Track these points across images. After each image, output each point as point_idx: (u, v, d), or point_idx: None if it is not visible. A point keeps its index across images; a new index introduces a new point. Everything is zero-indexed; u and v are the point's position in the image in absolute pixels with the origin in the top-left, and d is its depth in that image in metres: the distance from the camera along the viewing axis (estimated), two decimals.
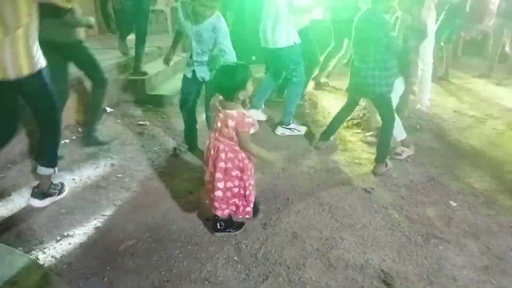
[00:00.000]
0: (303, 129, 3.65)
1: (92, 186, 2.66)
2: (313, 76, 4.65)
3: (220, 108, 1.98)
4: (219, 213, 2.10)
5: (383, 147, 2.93)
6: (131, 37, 4.33)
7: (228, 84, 1.89)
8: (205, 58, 2.72)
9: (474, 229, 2.31)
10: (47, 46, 2.23)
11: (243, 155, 2.02)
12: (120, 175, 2.81)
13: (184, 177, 2.81)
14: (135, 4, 4.04)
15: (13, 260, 1.79)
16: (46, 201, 2.41)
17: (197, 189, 2.61)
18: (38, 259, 1.98)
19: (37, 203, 2.39)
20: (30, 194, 2.40)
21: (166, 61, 3.05)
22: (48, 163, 2.39)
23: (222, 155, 1.99)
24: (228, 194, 2.06)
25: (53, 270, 1.90)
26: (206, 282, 1.87)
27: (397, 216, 2.42)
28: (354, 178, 2.86)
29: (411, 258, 2.06)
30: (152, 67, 4.56)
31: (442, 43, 4.93)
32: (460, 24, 5.08)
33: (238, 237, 2.18)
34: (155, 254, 2.04)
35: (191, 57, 2.75)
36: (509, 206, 2.54)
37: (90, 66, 3.01)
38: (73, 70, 3.03)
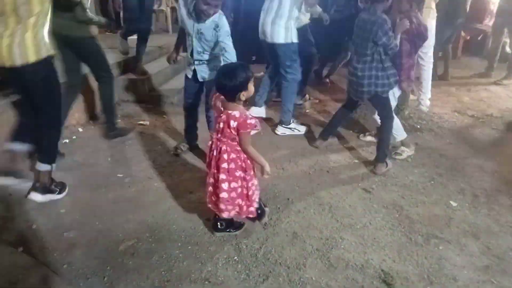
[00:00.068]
0: (303, 129, 3.64)
1: (92, 185, 2.66)
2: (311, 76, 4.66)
3: (222, 109, 1.97)
4: (225, 214, 2.09)
5: (383, 146, 2.93)
6: (132, 36, 4.33)
7: (229, 85, 1.89)
8: (206, 57, 2.71)
9: (474, 229, 2.31)
10: (59, 40, 2.33)
11: (245, 155, 2.02)
12: (120, 175, 2.81)
13: (184, 177, 2.81)
14: (139, 3, 4.05)
15: (14, 260, 1.79)
16: (47, 197, 2.42)
17: (197, 189, 2.61)
18: (38, 259, 1.97)
19: (37, 197, 2.40)
20: (30, 188, 2.41)
21: (169, 59, 3.04)
22: (47, 159, 2.39)
23: (225, 156, 1.99)
24: (233, 194, 2.05)
25: (53, 270, 1.90)
26: (206, 282, 1.87)
27: (397, 216, 2.42)
28: (354, 178, 2.86)
29: (412, 258, 2.06)
30: (152, 66, 4.56)
31: (441, 43, 4.92)
32: (462, 23, 5.07)
33: (238, 237, 2.18)
34: (155, 254, 2.04)
35: (191, 55, 2.75)
36: (509, 206, 2.54)
37: (97, 63, 3.04)
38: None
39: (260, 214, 2.25)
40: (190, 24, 2.63)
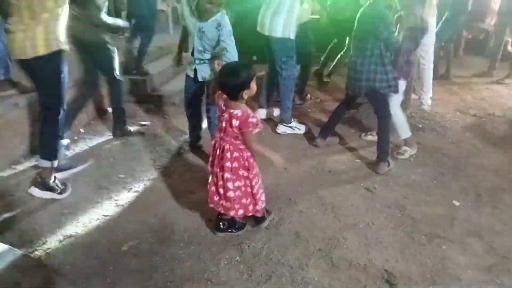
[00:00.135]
0: (303, 128, 3.63)
1: (94, 186, 2.66)
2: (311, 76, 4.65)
3: (225, 108, 1.97)
4: (232, 213, 2.09)
5: (383, 145, 2.93)
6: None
7: (232, 83, 1.89)
8: (207, 56, 2.70)
9: (478, 229, 2.30)
10: (74, 41, 2.47)
11: (248, 154, 2.02)
12: (122, 175, 2.81)
13: (186, 177, 2.81)
14: (145, 3, 4.05)
15: (17, 260, 1.79)
16: (46, 194, 2.43)
17: (199, 189, 2.60)
18: (41, 259, 1.97)
19: (36, 192, 2.41)
20: (30, 182, 2.42)
21: (176, 61, 3.03)
22: (47, 155, 2.40)
23: (228, 155, 1.99)
24: (238, 193, 2.05)
25: (56, 270, 1.90)
26: (209, 283, 1.87)
27: (400, 215, 2.41)
28: (356, 178, 2.86)
29: (415, 258, 2.05)
30: (153, 67, 4.56)
31: (442, 43, 4.90)
32: (463, 22, 5.05)
33: (241, 237, 2.18)
34: (158, 255, 2.04)
35: (192, 54, 2.74)
36: None
37: (109, 67, 3.09)
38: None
39: (260, 219, 2.23)
40: (192, 23, 2.63)
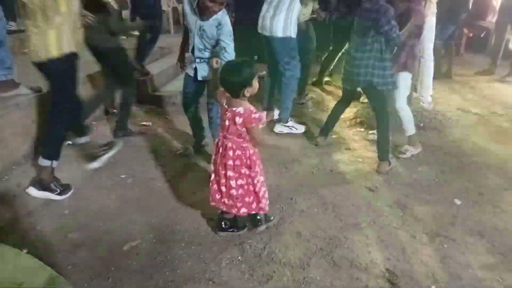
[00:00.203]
0: (301, 128, 3.63)
1: (95, 187, 2.66)
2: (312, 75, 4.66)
3: (227, 106, 1.98)
4: (234, 211, 2.09)
5: (383, 144, 2.92)
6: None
7: (233, 80, 1.89)
8: (207, 54, 2.70)
9: (479, 227, 2.30)
10: (89, 48, 2.67)
11: (251, 151, 2.02)
12: (123, 176, 2.81)
13: (187, 177, 2.81)
14: (150, 3, 4.07)
15: (19, 261, 1.80)
16: (43, 194, 2.44)
17: (200, 189, 2.60)
18: (43, 260, 1.98)
19: (33, 192, 2.42)
20: (30, 182, 2.44)
21: (180, 63, 3.00)
22: (47, 154, 2.42)
23: (230, 153, 2.00)
24: (241, 191, 2.05)
25: (58, 271, 1.89)
26: (210, 283, 1.87)
27: (401, 214, 2.41)
28: (357, 177, 2.86)
29: (416, 257, 2.05)
30: (154, 67, 4.56)
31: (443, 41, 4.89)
32: (464, 20, 5.04)
33: (242, 237, 2.18)
34: (159, 255, 2.04)
35: (192, 52, 2.74)
36: None
37: (123, 72, 3.17)
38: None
39: (259, 220, 2.22)
40: (192, 21, 2.63)
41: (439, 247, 2.13)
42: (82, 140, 2.80)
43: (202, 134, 3.14)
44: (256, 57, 5.14)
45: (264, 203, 2.14)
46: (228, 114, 1.95)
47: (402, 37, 2.70)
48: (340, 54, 4.72)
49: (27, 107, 2.89)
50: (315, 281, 1.88)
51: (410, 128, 3.09)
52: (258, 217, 2.21)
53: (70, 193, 2.53)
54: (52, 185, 2.46)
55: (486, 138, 3.54)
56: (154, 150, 3.22)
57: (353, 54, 2.84)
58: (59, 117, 2.42)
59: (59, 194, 2.48)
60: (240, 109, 1.91)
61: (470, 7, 5.03)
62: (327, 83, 5.03)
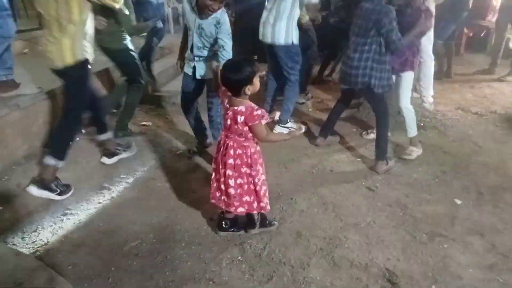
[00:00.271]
0: (301, 128, 3.63)
1: (95, 187, 2.66)
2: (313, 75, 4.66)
3: (228, 106, 1.98)
4: (232, 209, 2.09)
5: (381, 143, 2.92)
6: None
7: (234, 78, 1.89)
8: (205, 53, 2.70)
9: (479, 227, 2.30)
10: (101, 49, 2.88)
11: (252, 150, 2.02)
12: (124, 176, 2.81)
13: (188, 177, 2.81)
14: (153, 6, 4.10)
15: (19, 261, 1.80)
16: (42, 193, 2.45)
17: (200, 189, 2.61)
18: (43, 260, 1.98)
19: (33, 191, 2.44)
20: (30, 180, 2.45)
21: (179, 66, 2.98)
22: (53, 153, 2.45)
23: (231, 151, 2.00)
24: (240, 191, 2.05)
25: (58, 271, 1.90)
26: (211, 282, 1.87)
27: (401, 214, 2.41)
28: (357, 177, 2.86)
29: (416, 257, 2.06)
30: (154, 67, 4.56)
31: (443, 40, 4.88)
32: (465, 19, 5.03)
33: (242, 237, 2.18)
34: (159, 255, 2.05)
35: (191, 51, 2.74)
36: None
37: (132, 73, 3.26)
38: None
39: (252, 222, 2.20)
40: (192, 19, 2.63)
41: (439, 246, 2.13)
42: (104, 136, 2.88)
43: (205, 134, 3.12)
44: (256, 57, 5.15)
45: (265, 202, 2.14)
46: (230, 113, 1.95)
47: (404, 42, 2.69)
48: (340, 53, 4.73)
49: (27, 107, 2.90)
50: (315, 281, 1.88)
51: (413, 129, 3.08)
52: (255, 218, 2.20)
53: (70, 193, 2.53)
54: (52, 185, 2.46)
55: (486, 138, 3.54)
56: (154, 150, 3.22)
57: (351, 55, 2.82)
58: (73, 121, 2.53)
59: (59, 194, 2.48)
60: (242, 108, 1.91)
61: (470, 6, 5.02)
62: (327, 82, 5.02)
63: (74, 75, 2.40)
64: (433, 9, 3.67)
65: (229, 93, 1.96)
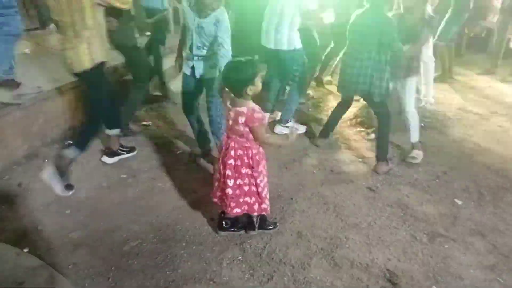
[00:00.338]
0: (302, 128, 3.62)
1: (96, 186, 2.66)
2: (315, 75, 4.65)
3: (230, 106, 1.98)
4: (228, 210, 2.09)
5: (382, 144, 2.92)
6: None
7: (236, 79, 1.89)
8: (205, 52, 2.69)
9: (480, 227, 2.30)
10: (114, 47, 2.92)
11: (254, 151, 2.01)
12: (124, 176, 2.81)
13: (188, 177, 2.81)
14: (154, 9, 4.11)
15: (20, 260, 1.80)
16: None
17: (201, 189, 2.61)
18: (43, 259, 1.98)
19: (45, 176, 2.47)
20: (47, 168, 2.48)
21: (178, 65, 2.94)
22: (77, 144, 2.61)
23: (232, 152, 2.00)
24: (238, 192, 2.05)
25: (58, 270, 1.90)
26: (211, 282, 1.87)
27: (402, 214, 2.41)
28: (358, 177, 2.85)
29: (417, 257, 2.05)
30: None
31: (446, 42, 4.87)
32: (466, 20, 5.02)
33: (243, 236, 2.18)
34: (160, 254, 2.04)
35: (190, 50, 2.73)
36: None
37: (137, 71, 3.28)
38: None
39: (250, 224, 2.19)
40: (191, 18, 2.63)
41: (439, 247, 2.13)
42: (112, 132, 2.88)
43: (207, 138, 3.05)
44: (256, 57, 5.14)
45: (267, 204, 2.13)
46: (232, 114, 1.95)
47: (408, 53, 2.68)
48: (341, 53, 4.72)
49: (27, 107, 2.90)
50: (316, 281, 1.88)
51: (415, 134, 3.07)
52: (254, 219, 2.19)
53: (72, 191, 2.53)
54: (65, 176, 2.53)
55: (487, 138, 3.53)
56: (155, 150, 3.22)
57: (350, 62, 2.82)
58: (97, 117, 2.70)
59: (66, 189, 2.53)
60: (243, 109, 1.91)
61: (471, 6, 5.01)
62: (328, 82, 5.02)
63: (93, 77, 2.51)
64: (430, 11, 3.67)
65: (231, 94, 1.96)
